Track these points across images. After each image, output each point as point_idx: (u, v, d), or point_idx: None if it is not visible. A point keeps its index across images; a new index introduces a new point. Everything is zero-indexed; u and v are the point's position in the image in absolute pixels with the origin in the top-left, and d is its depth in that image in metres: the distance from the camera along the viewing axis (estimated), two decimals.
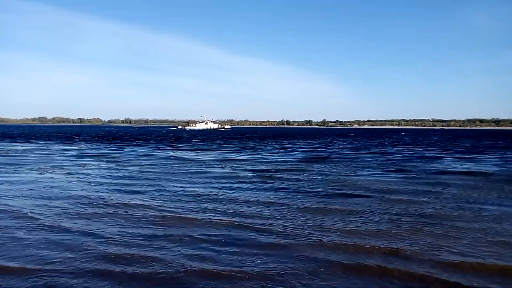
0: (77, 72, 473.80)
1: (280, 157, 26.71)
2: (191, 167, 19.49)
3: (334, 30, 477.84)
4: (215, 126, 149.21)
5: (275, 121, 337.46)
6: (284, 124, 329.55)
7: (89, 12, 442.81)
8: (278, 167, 19.90)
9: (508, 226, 8.47)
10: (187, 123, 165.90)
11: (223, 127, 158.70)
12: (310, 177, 16.14)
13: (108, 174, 16.46)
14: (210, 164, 20.94)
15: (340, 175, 16.66)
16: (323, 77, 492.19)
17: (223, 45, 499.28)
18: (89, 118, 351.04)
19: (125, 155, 26.93)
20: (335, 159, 24.79)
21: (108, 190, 12.56)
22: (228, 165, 20.74)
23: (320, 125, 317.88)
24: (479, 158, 27.09)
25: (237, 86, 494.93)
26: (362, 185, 14.10)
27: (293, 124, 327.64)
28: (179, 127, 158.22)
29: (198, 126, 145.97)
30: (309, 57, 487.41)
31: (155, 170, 17.87)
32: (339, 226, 8.34)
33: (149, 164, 20.56)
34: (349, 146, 42.39)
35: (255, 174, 16.81)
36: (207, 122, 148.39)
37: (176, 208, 10.02)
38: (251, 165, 20.83)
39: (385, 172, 18.04)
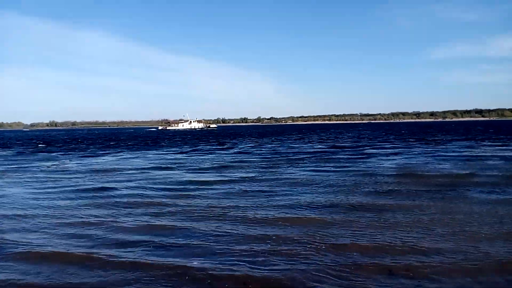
0: None
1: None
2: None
3: (264, 28, 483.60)
4: (200, 125, 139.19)
5: (210, 120, 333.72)
6: (220, 122, 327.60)
7: (5, 8, 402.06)
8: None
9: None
10: (169, 122, 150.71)
11: (209, 126, 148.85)
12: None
13: None
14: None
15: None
16: (256, 75, 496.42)
17: (154, 44, 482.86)
18: (9, 122, 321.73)
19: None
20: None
21: None
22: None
23: (255, 122, 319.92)
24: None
25: (170, 85, 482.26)
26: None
27: (229, 122, 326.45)
28: (160, 127, 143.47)
29: (181, 126, 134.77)
30: (242, 56, 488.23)
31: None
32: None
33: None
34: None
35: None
36: (190, 122, 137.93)
37: None
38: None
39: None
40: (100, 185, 13.46)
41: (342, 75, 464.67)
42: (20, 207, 10.31)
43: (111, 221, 8.54)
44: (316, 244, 6.67)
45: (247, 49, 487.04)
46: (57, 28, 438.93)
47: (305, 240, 6.87)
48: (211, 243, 6.86)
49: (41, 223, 8.54)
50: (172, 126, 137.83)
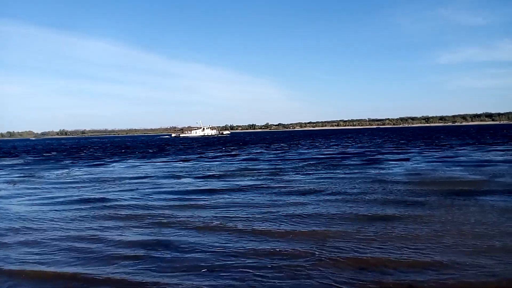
0: (2, 82, 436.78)
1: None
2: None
3: (270, 34, 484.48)
4: (213, 132, 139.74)
5: (219, 126, 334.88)
6: (228, 129, 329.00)
7: (13, 17, 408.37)
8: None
9: None
10: (181, 130, 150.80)
11: (222, 133, 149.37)
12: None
13: None
14: None
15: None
16: (263, 81, 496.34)
17: (161, 51, 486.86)
18: (20, 131, 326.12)
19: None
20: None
21: None
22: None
23: (263, 128, 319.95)
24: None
25: (178, 92, 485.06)
26: None
27: (236, 129, 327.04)
28: (173, 134, 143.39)
29: (194, 133, 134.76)
30: (249, 61, 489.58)
31: None
32: None
33: None
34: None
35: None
36: (203, 129, 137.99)
37: None
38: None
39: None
40: (106, 196, 13.28)
41: (349, 80, 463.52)
42: (23, 218, 10.16)
43: (114, 234, 8.33)
44: (323, 258, 6.37)
45: (254, 55, 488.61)
46: (63, 36, 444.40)
47: (312, 254, 6.58)
48: (213, 257, 6.61)
49: (41, 236, 8.34)
50: (185, 133, 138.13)
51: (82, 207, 11.54)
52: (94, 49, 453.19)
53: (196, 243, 7.40)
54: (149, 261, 6.54)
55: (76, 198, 13.10)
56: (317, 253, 6.59)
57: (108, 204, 11.80)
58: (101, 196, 13.24)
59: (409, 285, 5.24)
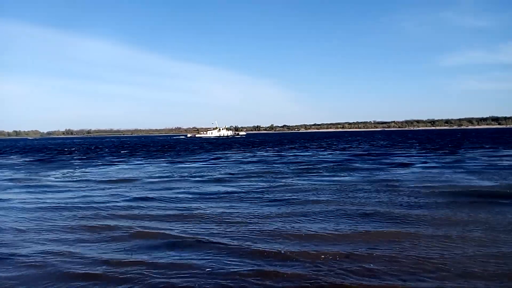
0: (9, 82, 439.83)
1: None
2: None
3: (275, 36, 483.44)
4: (229, 133, 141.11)
5: (225, 128, 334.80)
6: (233, 130, 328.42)
7: (17, 17, 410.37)
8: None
9: None
10: (197, 130, 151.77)
11: (238, 134, 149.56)
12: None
13: None
14: None
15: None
16: (267, 82, 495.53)
17: (164, 51, 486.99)
18: (26, 131, 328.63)
19: None
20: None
21: None
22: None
23: (268, 130, 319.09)
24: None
25: (182, 93, 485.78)
26: None
27: (241, 130, 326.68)
28: (189, 135, 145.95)
29: (209, 134, 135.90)
30: (252, 63, 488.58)
31: None
32: None
33: None
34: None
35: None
36: (219, 129, 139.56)
37: None
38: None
39: None
40: (96, 202, 12.58)
41: (354, 83, 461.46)
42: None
43: (87, 250, 7.72)
44: (324, 283, 5.67)
45: (258, 57, 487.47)
46: (67, 37, 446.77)
47: (312, 278, 5.86)
48: (204, 281, 5.93)
49: (17, 251, 7.66)
50: (201, 134, 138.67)
51: (73, 215, 10.64)
52: (98, 49, 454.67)
53: (184, 264, 6.67)
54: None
55: (64, 203, 12.32)
56: (319, 277, 5.92)
57: (101, 212, 10.95)
58: (93, 201, 12.55)
59: None
